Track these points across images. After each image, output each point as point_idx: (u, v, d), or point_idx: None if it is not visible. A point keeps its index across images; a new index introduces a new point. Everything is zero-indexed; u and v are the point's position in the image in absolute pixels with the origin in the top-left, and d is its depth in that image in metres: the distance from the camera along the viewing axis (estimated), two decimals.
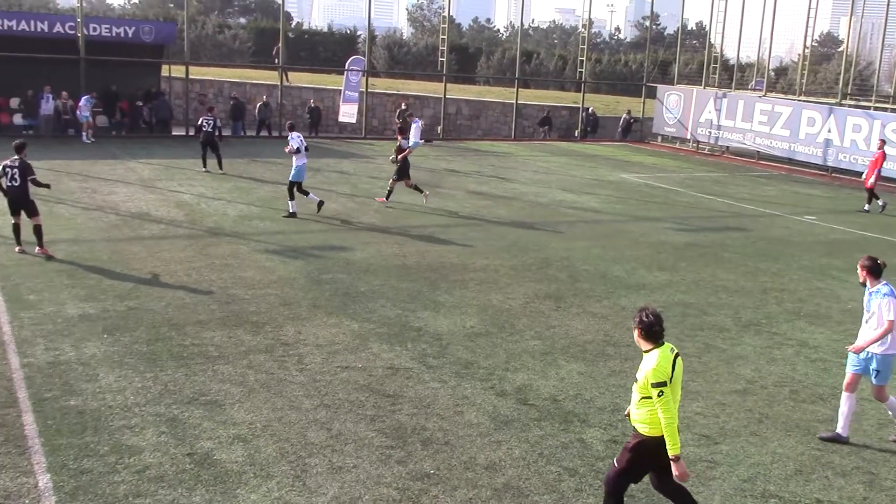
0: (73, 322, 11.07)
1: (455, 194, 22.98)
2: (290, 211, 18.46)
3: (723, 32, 39.40)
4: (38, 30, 29.95)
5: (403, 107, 36.60)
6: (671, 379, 6.27)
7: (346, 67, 36.81)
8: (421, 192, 20.80)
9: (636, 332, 6.46)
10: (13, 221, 14.56)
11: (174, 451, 7.79)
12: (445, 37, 38.61)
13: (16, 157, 14.31)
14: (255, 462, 7.69)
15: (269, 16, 71.86)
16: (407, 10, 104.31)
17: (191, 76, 33.86)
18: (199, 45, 53.21)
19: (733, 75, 40.21)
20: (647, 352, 6.41)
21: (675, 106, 39.27)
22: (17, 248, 14.48)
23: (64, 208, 18.19)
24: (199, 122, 24.59)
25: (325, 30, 73.40)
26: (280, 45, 36.26)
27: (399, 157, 21.00)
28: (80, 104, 28.84)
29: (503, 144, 37.43)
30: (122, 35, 31.24)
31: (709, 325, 12.55)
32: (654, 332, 6.37)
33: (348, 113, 36.42)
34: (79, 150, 26.74)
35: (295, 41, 58.74)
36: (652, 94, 41.65)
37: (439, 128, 38.38)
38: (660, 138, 40.87)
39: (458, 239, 17.37)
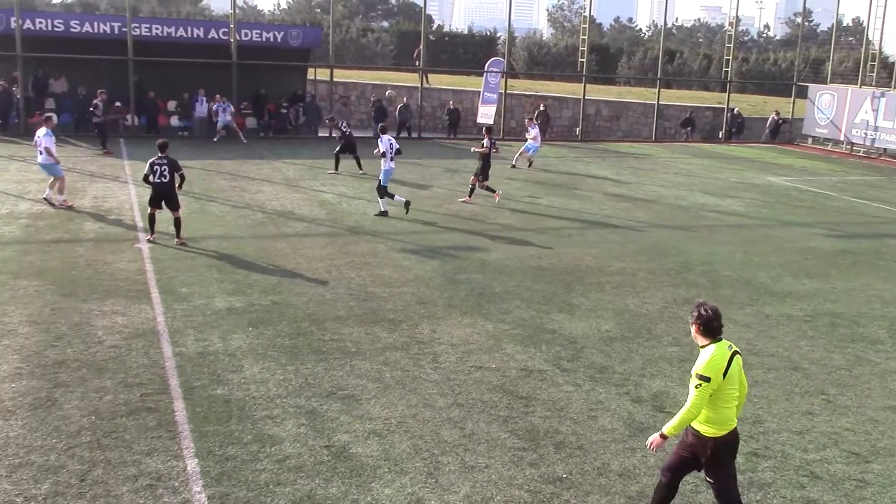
0: (221, 315, 11.58)
1: (592, 196, 22.71)
2: (381, 209, 18.69)
3: (882, 28, 37.30)
4: (195, 36, 31.58)
5: (542, 108, 36.48)
6: (724, 376, 6.19)
7: (486, 69, 37.01)
8: (470, 194, 20.82)
9: (694, 328, 6.39)
10: (150, 212, 15.46)
11: (313, 443, 8.02)
12: (586, 37, 38.22)
13: (162, 154, 15.19)
14: (390, 457, 7.82)
15: (410, 19, 73.04)
16: (547, 10, 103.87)
17: (335, 79, 34.82)
18: (343, 49, 54.69)
19: (893, 73, 37.99)
20: (703, 347, 6.33)
21: (827, 106, 37.47)
22: (151, 236, 15.44)
23: (215, 206, 19.07)
24: (343, 129, 25.03)
25: (466, 32, 73.97)
26: (421, 47, 36.83)
27: (478, 150, 20.83)
28: (215, 110, 30.12)
29: (643, 146, 36.71)
30: (272, 40, 32.50)
31: (860, 337, 11.90)
32: (712, 328, 6.29)
33: (487, 114, 36.59)
34: (229, 151, 27.94)
35: (435, 43, 59.50)
36: (803, 93, 39.92)
37: (578, 129, 38.02)
38: (810, 140, 39.11)
39: (595, 241, 17.15)
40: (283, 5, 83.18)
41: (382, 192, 18.58)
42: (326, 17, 50.67)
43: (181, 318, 11.37)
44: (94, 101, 26.76)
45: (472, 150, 20.96)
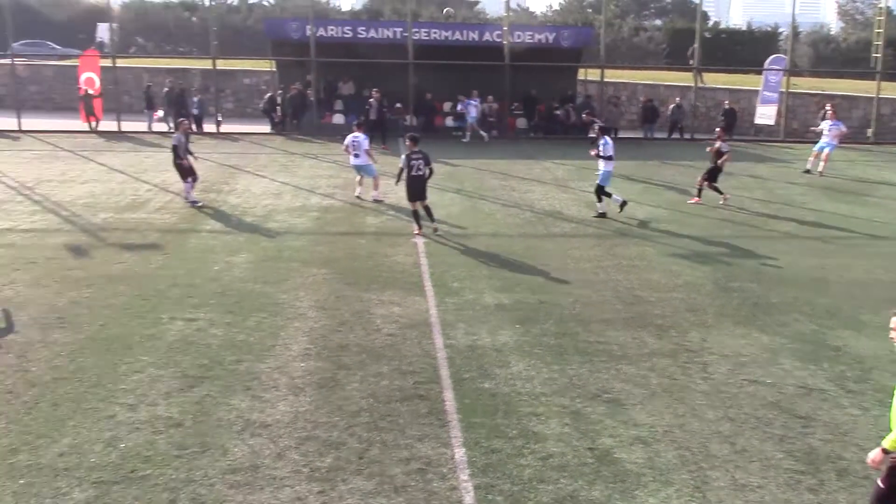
0: (489, 310, 11.88)
1: (886, 204, 20.83)
2: (599, 211, 18.34)
3: None
4: (470, 39, 32.62)
5: (827, 108, 34.00)
6: None
7: (765, 67, 35.10)
8: (698, 194, 20.13)
9: None
10: (414, 209, 16.29)
11: (576, 444, 8.02)
12: (881, 30, 35.12)
13: (416, 149, 15.89)
14: (655, 466, 7.64)
15: (685, 16, 70.90)
16: (837, 3, 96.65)
17: (605, 79, 34.57)
18: (613, 48, 54.19)
19: None
20: None
21: None
22: (417, 230, 16.15)
23: (485, 204, 19.60)
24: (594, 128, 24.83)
25: (744, 28, 70.62)
26: (696, 45, 35.62)
27: (721, 161, 19.80)
28: (460, 109, 30.74)
29: None
30: (543, 41, 32.82)
31: None
32: None
33: (766, 115, 34.70)
34: (499, 150, 28.57)
35: (711, 41, 57.28)
36: None
37: (870, 130, 35.05)
38: None
39: (889, 253, 15.72)
40: (556, 6, 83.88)
41: (601, 192, 18.34)
42: (598, 17, 50.47)
43: (452, 311, 11.80)
44: (369, 100, 28.59)
45: (717, 164, 19.95)
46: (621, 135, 32.67)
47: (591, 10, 73.89)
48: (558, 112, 33.19)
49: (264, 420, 8.35)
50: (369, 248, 15.20)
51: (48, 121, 31.99)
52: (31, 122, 30.68)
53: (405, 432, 8.17)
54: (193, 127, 18.48)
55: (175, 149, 18.47)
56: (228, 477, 7.31)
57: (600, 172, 18.26)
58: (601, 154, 18.09)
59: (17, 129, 30.11)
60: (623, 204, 18.42)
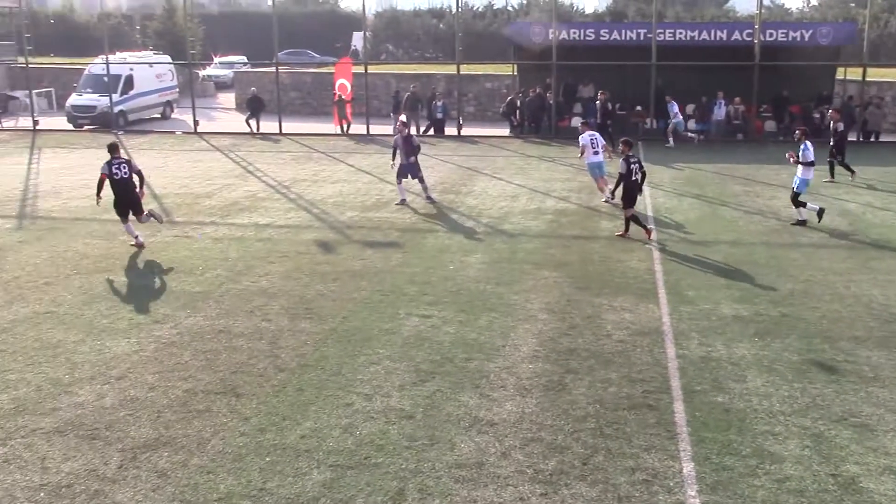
0: (726, 321, 11.37)
1: None
2: (799, 219, 17.15)
3: None
4: (717, 38, 31.34)
5: None
6: None
7: None
8: None
9: None
10: (634, 213, 16.15)
11: (817, 469, 7.50)
12: None
13: (630, 152, 15.96)
14: None
15: None
16: None
17: (868, 78, 32.01)
18: (878, 45, 50.06)
19: None
20: None
21: None
22: (649, 236, 15.85)
23: (726, 210, 18.79)
24: (840, 132, 22.83)
25: None
26: None
27: None
28: (673, 110, 29.27)
29: None
30: (798, 39, 30.92)
31: None
32: None
33: None
34: (743, 154, 27.28)
35: None
36: None
37: None
38: None
39: None
40: (814, 2, 78.82)
41: (796, 200, 17.12)
42: (862, 12, 46.83)
43: (686, 320, 11.42)
44: (596, 102, 28.41)
45: None
46: (882, 139, 30.21)
47: (853, 5, 68.68)
48: (816, 115, 31.03)
49: (491, 418, 8.50)
50: (602, 253, 15.04)
51: (305, 124, 34.36)
52: (290, 126, 33.12)
53: (631, 441, 8.01)
54: (407, 130, 19.48)
55: (394, 150, 19.55)
56: (454, 471, 7.50)
57: (798, 179, 17.11)
58: (800, 160, 16.96)
59: (278, 132, 32.67)
60: (821, 212, 17.04)
